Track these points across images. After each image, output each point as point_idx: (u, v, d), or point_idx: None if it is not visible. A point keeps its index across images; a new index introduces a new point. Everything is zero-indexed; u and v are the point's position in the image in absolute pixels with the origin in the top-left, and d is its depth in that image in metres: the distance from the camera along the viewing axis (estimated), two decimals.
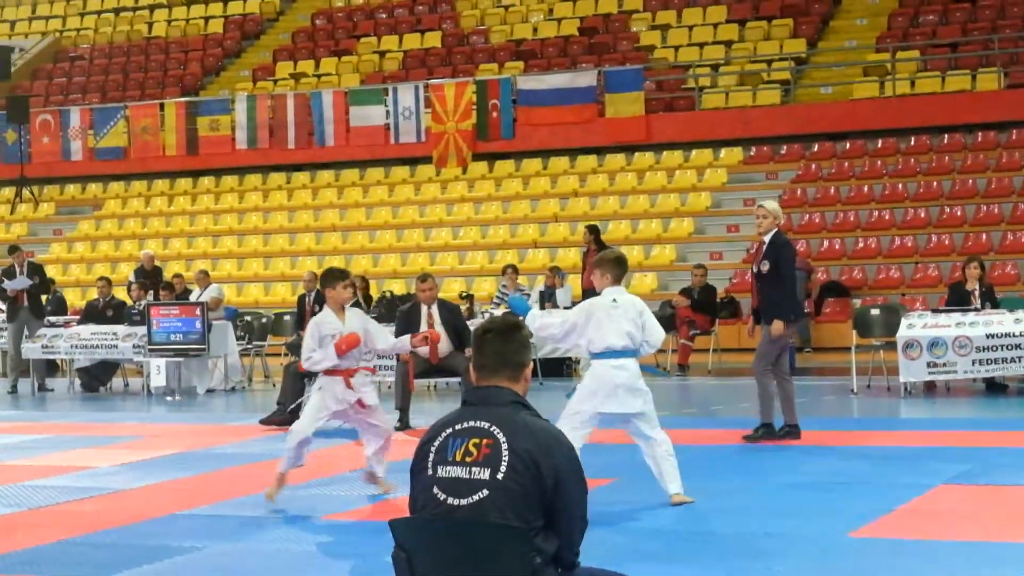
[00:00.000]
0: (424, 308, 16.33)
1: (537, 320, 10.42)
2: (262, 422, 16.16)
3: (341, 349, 10.94)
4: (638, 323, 10.41)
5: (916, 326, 17.27)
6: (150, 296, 22.51)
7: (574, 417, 10.34)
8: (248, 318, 23.49)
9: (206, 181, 34.94)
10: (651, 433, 10.51)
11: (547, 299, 22.51)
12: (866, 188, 28.35)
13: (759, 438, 13.47)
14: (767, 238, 13.52)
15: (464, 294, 23.29)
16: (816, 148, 29.92)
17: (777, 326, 13.29)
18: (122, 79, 39.89)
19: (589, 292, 22.43)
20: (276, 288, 30.26)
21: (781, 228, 13.69)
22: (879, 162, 29.07)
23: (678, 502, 10.32)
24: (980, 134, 28.86)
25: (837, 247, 26.85)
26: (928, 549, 8.80)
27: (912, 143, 29.23)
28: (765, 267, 13.46)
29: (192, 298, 22.33)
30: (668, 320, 22.49)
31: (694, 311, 22.10)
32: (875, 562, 8.49)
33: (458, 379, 16.63)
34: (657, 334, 10.55)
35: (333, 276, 11.50)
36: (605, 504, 10.06)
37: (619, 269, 10.72)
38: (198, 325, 20.49)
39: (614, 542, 8.82)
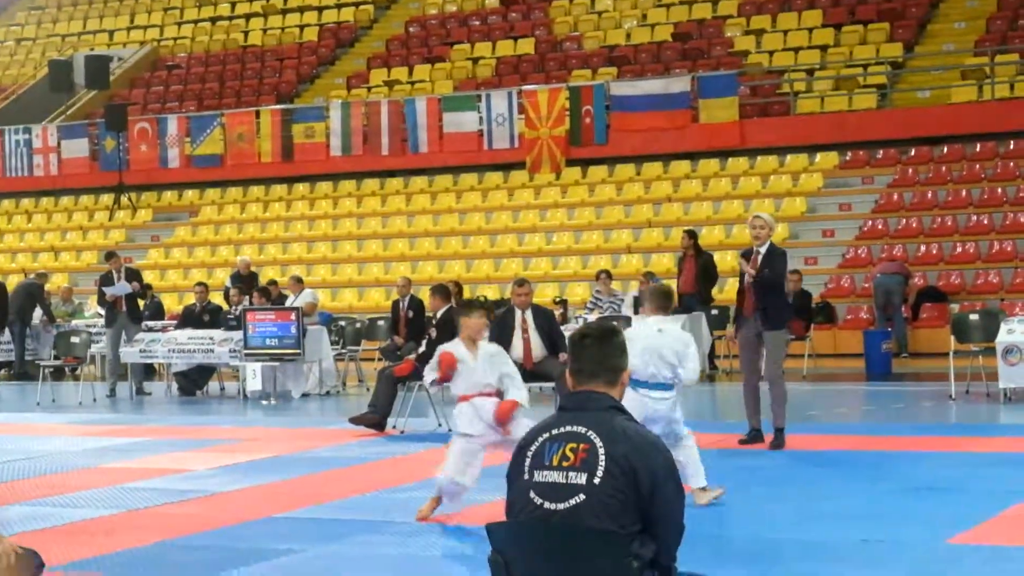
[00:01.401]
0: (518, 313, 16.31)
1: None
2: (351, 420, 16.22)
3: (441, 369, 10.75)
4: (680, 355, 10.59)
5: (1016, 331, 17.06)
6: (247, 301, 22.69)
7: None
8: (342, 323, 23.62)
9: (301, 187, 35.17)
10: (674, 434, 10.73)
11: (641, 304, 22.43)
12: (964, 192, 28.04)
13: (780, 444, 13.71)
14: (763, 248, 13.75)
15: (558, 299, 23.29)
16: (913, 152, 29.63)
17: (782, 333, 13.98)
18: (218, 87, 40.29)
19: (684, 296, 22.43)
20: (370, 293, 30.40)
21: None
22: (977, 166, 28.74)
23: (703, 496, 10.56)
24: None
25: (935, 252, 26.58)
26: None
27: (1011, 147, 28.88)
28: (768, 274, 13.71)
29: (287, 304, 22.49)
30: None
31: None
32: (973, 569, 8.40)
33: (552, 384, 16.60)
34: (690, 372, 10.68)
35: (469, 306, 11.27)
36: (700, 510, 10.03)
37: (663, 301, 11.03)
38: (293, 330, 20.62)
39: (709, 549, 8.77)
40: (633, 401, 10.23)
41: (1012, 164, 28.44)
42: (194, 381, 22.45)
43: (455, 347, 10.89)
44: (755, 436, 13.94)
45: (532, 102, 31.05)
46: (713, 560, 8.27)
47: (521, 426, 10.23)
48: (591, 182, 32.09)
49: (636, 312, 22.01)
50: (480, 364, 10.76)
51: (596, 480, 4.87)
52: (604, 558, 4.79)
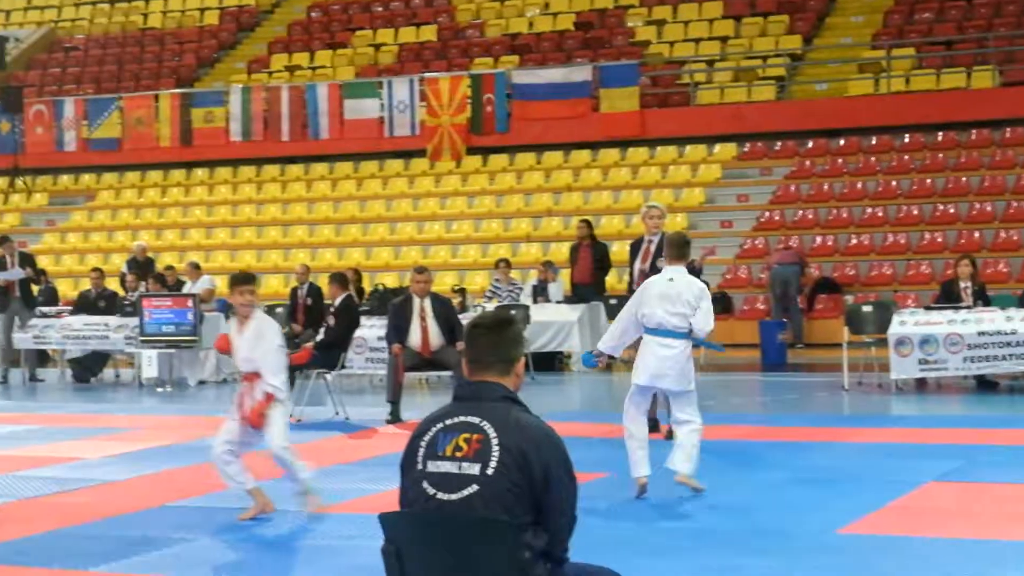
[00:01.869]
0: (417, 301, 16.33)
1: (603, 344, 10.99)
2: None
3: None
4: (693, 306, 10.54)
5: (908, 323, 17.29)
6: (143, 287, 22.49)
7: (632, 393, 10.83)
8: None
9: (200, 173, 34.91)
10: (682, 415, 10.78)
11: (539, 293, 22.53)
12: (860, 185, 28.36)
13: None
14: (655, 238, 13.79)
15: (457, 288, 23.30)
16: (810, 144, 29.92)
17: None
18: (117, 70, 39.86)
19: (579, 287, 22.53)
20: (269, 280, 30.21)
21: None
22: (873, 159, 29.08)
23: (681, 481, 10.57)
24: (974, 132, 28.88)
25: (830, 243, 26.87)
26: (916, 546, 8.82)
27: (906, 140, 29.26)
28: (662, 263, 13.34)
29: (184, 290, 22.32)
30: None
31: None
32: (863, 559, 8.51)
33: (450, 373, 16.63)
34: (704, 323, 10.64)
35: (234, 280, 10.59)
36: (596, 499, 10.08)
37: (679, 249, 10.95)
38: (190, 317, 20.49)
39: (604, 537, 8.83)
40: (644, 348, 10.62)
41: (907, 157, 28.79)
42: (89, 368, 22.24)
43: (231, 325, 10.59)
44: (651, 426, 13.96)
45: (434, 89, 31.01)
46: (604, 549, 8.31)
47: (276, 430, 10.12)
48: (492, 170, 32.11)
49: (535, 301, 22.10)
50: (245, 343, 10.28)
51: (489, 471, 4.88)
52: (497, 548, 4.81)
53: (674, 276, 10.67)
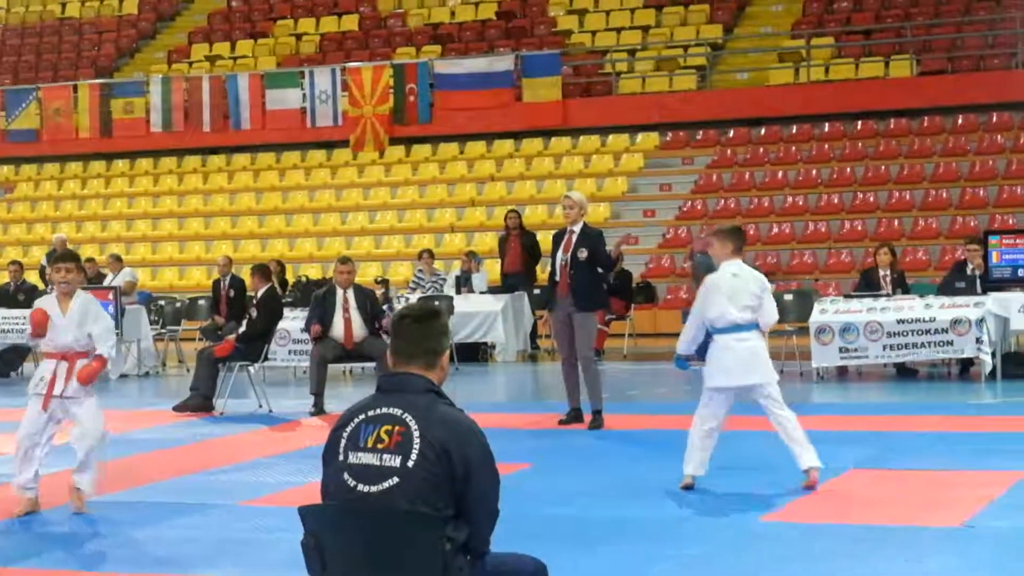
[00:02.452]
0: (340, 292, 16.29)
1: (684, 347, 10.61)
2: (175, 408, 16.03)
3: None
4: (758, 297, 10.37)
5: (828, 311, 17.42)
6: None
7: (713, 397, 10.40)
8: (162, 302, 23.32)
9: (120, 164, 34.63)
10: (781, 411, 10.43)
11: (463, 284, 22.53)
12: (781, 174, 28.56)
13: (599, 424, 13.79)
14: (576, 228, 13.76)
15: (380, 279, 23.23)
16: (732, 134, 30.10)
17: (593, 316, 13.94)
18: (34, 60, 39.43)
19: (508, 276, 22.54)
20: (191, 272, 30.08)
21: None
22: (793, 148, 29.29)
23: (815, 474, 10.25)
24: (892, 121, 29.15)
25: (752, 232, 27.01)
26: (838, 532, 8.89)
27: (826, 129, 29.49)
28: (584, 255, 13.66)
29: (105, 283, 22.13)
30: None
31: (610, 296, 22.13)
32: (786, 546, 8.58)
33: (373, 364, 16.60)
34: (769, 315, 10.46)
35: (54, 257, 10.51)
36: (518, 490, 10.08)
37: (739, 240, 10.71)
38: (111, 309, 20.30)
39: (526, 528, 8.84)
40: (718, 350, 10.29)
41: (827, 146, 29.02)
42: (8, 362, 21.99)
43: (47, 302, 10.26)
44: (574, 416, 13.99)
45: (356, 80, 30.92)
46: (527, 539, 8.31)
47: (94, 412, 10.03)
48: (414, 161, 32.08)
49: (458, 291, 22.10)
50: (69, 322, 10.05)
51: (410, 463, 4.88)
52: (417, 541, 4.81)
53: (737, 271, 10.43)
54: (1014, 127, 28.29)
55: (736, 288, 10.30)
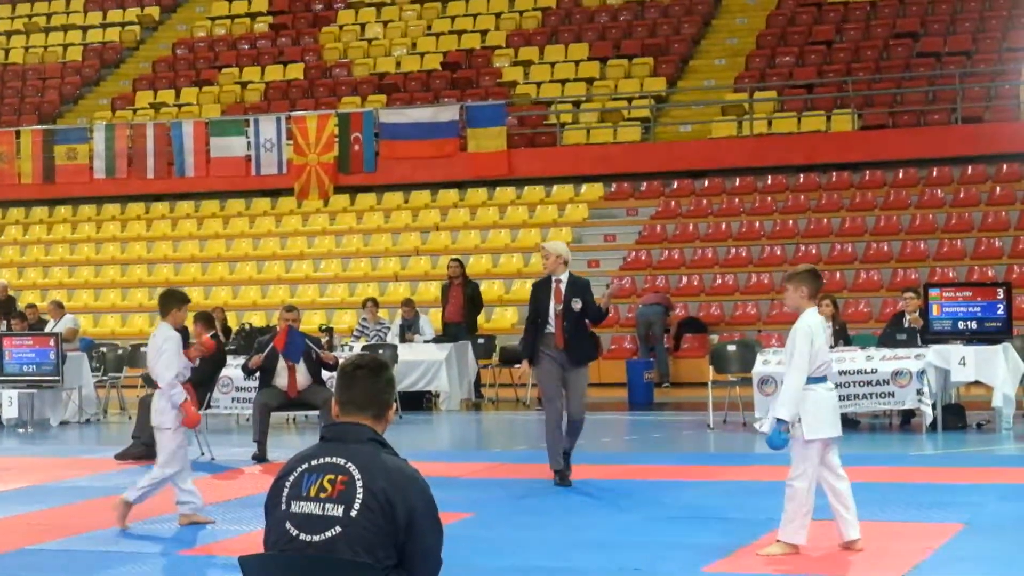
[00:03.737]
0: None
1: (790, 411, 9.60)
2: (117, 457, 15.94)
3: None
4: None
5: (771, 362, 17.48)
6: (3, 325, 22.12)
7: (827, 453, 9.82)
8: (104, 349, 23.17)
9: (63, 210, 34.46)
10: (838, 463, 9.93)
11: (407, 329, 22.51)
12: (724, 225, 28.71)
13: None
14: (563, 277, 13.22)
15: (324, 327, 23.19)
16: (675, 185, 30.25)
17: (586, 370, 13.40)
18: None
19: (450, 325, 22.55)
20: (133, 319, 29.92)
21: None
22: (737, 200, 29.47)
23: (858, 544, 9.88)
24: (835, 174, 29.38)
25: (695, 283, 27.17)
26: None
27: (769, 182, 29.68)
28: (578, 306, 13.10)
29: (48, 328, 21.99)
30: None
31: None
32: None
33: (317, 412, 16.54)
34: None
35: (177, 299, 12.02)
36: (461, 540, 10.07)
37: (818, 283, 10.13)
38: (52, 356, 20.19)
39: None
40: (823, 398, 9.68)
41: (769, 199, 29.21)
42: None
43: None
44: (563, 478, 13.21)
45: (301, 128, 30.90)
46: None
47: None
48: (359, 209, 32.08)
49: (402, 340, 22.07)
50: None
51: (353, 513, 4.88)
52: None
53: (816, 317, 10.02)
54: (953, 181, 28.57)
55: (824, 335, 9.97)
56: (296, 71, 37.07)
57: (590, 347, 13.62)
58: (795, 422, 9.60)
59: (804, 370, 9.60)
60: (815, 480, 9.73)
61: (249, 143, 31.16)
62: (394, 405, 5.26)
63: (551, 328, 13.12)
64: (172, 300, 11.85)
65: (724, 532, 10.56)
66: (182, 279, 30.83)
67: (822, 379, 9.74)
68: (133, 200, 33.72)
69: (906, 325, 18.22)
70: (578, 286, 13.28)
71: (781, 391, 9.94)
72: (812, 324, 9.78)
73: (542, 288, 13.32)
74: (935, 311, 17.78)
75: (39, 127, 34.50)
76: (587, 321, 13.31)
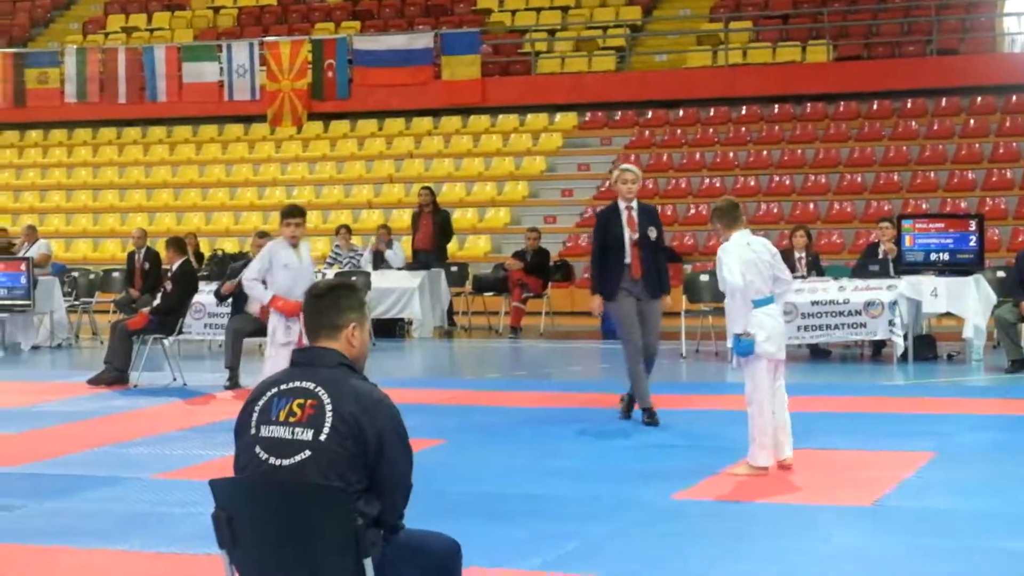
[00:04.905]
0: None
1: (741, 321, 9.95)
2: (90, 382, 15.93)
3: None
4: (773, 266, 10.22)
5: None
6: None
7: (763, 373, 10.03)
8: (76, 274, 23.12)
9: (34, 134, 34.25)
10: (782, 383, 10.26)
11: (380, 261, 22.47)
12: (698, 155, 28.69)
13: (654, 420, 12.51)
14: (635, 204, 12.48)
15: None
16: (650, 115, 30.18)
17: (668, 300, 12.71)
18: None
19: (420, 252, 22.53)
20: (105, 244, 29.82)
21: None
22: (711, 130, 29.43)
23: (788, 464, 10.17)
24: (809, 105, 29.34)
25: (669, 213, 27.12)
26: (748, 511, 8.97)
27: (743, 112, 29.64)
28: (654, 234, 12.44)
29: (21, 253, 21.90)
30: (501, 283, 22.64)
31: (527, 274, 22.22)
32: (694, 524, 8.64)
33: None
34: (788, 276, 10.34)
35: (284, 212, 13.75)
36: (432, 466, 10.10)
37: (732, 212, 10.36)
38: (23, 280, 20.13)
39: (440, 504, 8.84)
40: (765, 321, 9.97)
41: (744, 129, 29.18)
42: None
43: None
44: (652, 415, 12.45)
45: (274, 54, 30.68)
46: (442, 515, 8.32)
47: None
48: (333, 136, 31.96)
49: (376, 267, 22.04)
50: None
51: (322, 437, 4.88)
52: (328, 515, 4.80)
53: (748, 240, 10.22)
54: (928, 114, 28.57)
55: (751, 258, 10.11)
56: None
57: (666, 278, 12.71)
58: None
59: (736, 284, 9.93)
60: (770, 401, 10.01)
61: (222, 69, 30.94)
62: (354, 327, 5.20)
63: (627, 259, 12.33)
64: (281, 215, 13.79)
65: (695, 460, 10.62)
66: (154, 204, 30.74)
67: (763, 302, 10.05)
68: (105, 125, 33.54)
69: (880, 256, 18.25)
70: (650, 213, 12.67)
71: (726, 311, 10.29)
72: (730, 245, 10.13)
73: (611, 216, 12.55)
74: (908, 243, 17.83)
75: (9, 50, 34.18)
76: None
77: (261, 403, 5.04)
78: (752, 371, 10.04)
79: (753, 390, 10.03)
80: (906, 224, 18.10)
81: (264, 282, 13.45)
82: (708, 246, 26.03)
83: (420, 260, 22.46)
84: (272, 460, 4.92)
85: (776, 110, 29.50)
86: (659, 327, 12.68)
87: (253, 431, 5.00)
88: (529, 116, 30.97)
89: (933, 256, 17.67)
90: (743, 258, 10.03)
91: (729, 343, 10.42)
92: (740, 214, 10.45)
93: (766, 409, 9.98)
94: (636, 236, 12.37)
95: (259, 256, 13.42)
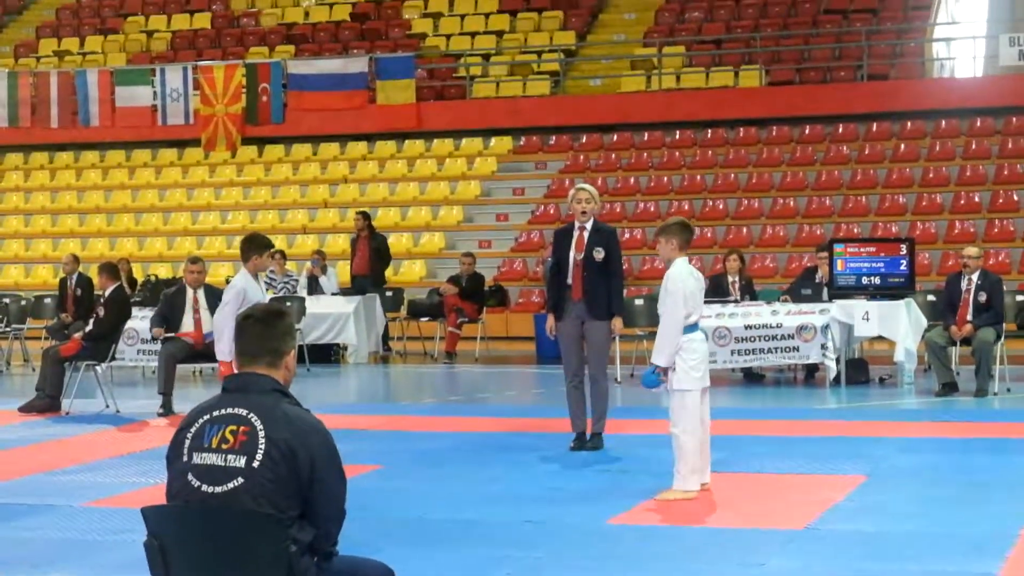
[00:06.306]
0: (190, 292, 16.18)
1: (668, 358, 10.03)
2: (21, 409, 15.78)
3: None
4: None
5: None
6: None
7: (698, 402, 10.10)
8: (7, 300, 22.92)
9: None
10: (707, 411, 10.34)
11: (315, 286, 22.43)
12: (632, 180, 28.81)
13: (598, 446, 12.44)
14: (588, 224, 12.38)
15: (231, 279, 23.03)
16: (584, 139, 30.29)
17: (619, 323, 12.53)
18: None
19: (357, 278, 22.49)
20: (37, 270, 29.60)
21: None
22: (645, 154, 29.56)
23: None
24: (742, 130, 29.54)
25: None
26: (682, 535, 8.99)
27: (677, 136, 29.80)
28: (600, 255, 12.29)
29: None
30: (436, 308, 22.62)
31: (462, 299, 22.21)
32: (629, 548, 8.66)
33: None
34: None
35: (263, 244, 12.43)
36: (367, 492, 10.08)
37: (687, 234, 10.33)
38: None
39: (374, 530, 8.83)
40: (699, 346, 10.13)
41: (678, 153, 29.32)
42: None
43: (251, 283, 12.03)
44: (582, 442, 12.45)
45: (208, 78, 30.56)
46: (375, 541, 8.33)
47: None
48: (267, 161, 31.89)
49: (310, 293, 21.99)
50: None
51: (255, 463, 4.86)
52: (261, 542, 4.78)
53: (691, 269, 10.32)
54: (859, 138, 28.82)
55: (697, 285, 10.21)
56: (203, 20, 36.70)
57: (617, 300, 12.52)
58: (671, 370, 10.03)
59: (680, 319, 9.96)
60: (699, 428, 10.08)
61: (155, 93, 30.79)
62: (292, 353, 5.22)
63: (569, 280, 12.33)
64: (251, 246, 12.34)
65: (630, 485, 10.64)
66: (87, 230, 30.54)
67: (693, 328, 10.12)
68: (37, 149, 33.31)
69: (817, 280, 18.40)
70: (603, 234, 12.49)
71: (657, 339, 10.19)
72: (682, 273, 10.10)
73: (564, 236, 12.56)
74: (839, 267, 17.94)
75: None
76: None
77: (193, 430, 5.02)
78: (683, 398, 10.09)
79: (684, 414, 10.06)
80: (838, 248, 18.23)
81: None
82: (643, 271, 26.14)
83: (357, 285, 22.43)
84: (205, 487, 4.90)
85: (709, 135, 29.69)
86: (603, 350, 12.58)
87: (185, 458, 4.98)
88: (464, 140, 31.01)
89: (865, 280, 17.80)
90: (688, 289, 10.07)
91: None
92: (691, 239, 10.52)
93: (697, 434, 10.04)
94: (580, 256, 12.31)
95: (232, 294, 12.10)
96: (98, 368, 16.26)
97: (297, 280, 22.70)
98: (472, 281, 22.58)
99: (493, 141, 30.82)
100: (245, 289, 12.07)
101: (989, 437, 13.21)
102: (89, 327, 16.38)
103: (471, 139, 30.97)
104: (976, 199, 26.47)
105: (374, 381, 20.43)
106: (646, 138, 29.94)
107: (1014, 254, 24.84)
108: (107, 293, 16.27)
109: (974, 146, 27.99)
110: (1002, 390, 16.29)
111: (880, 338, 17.97)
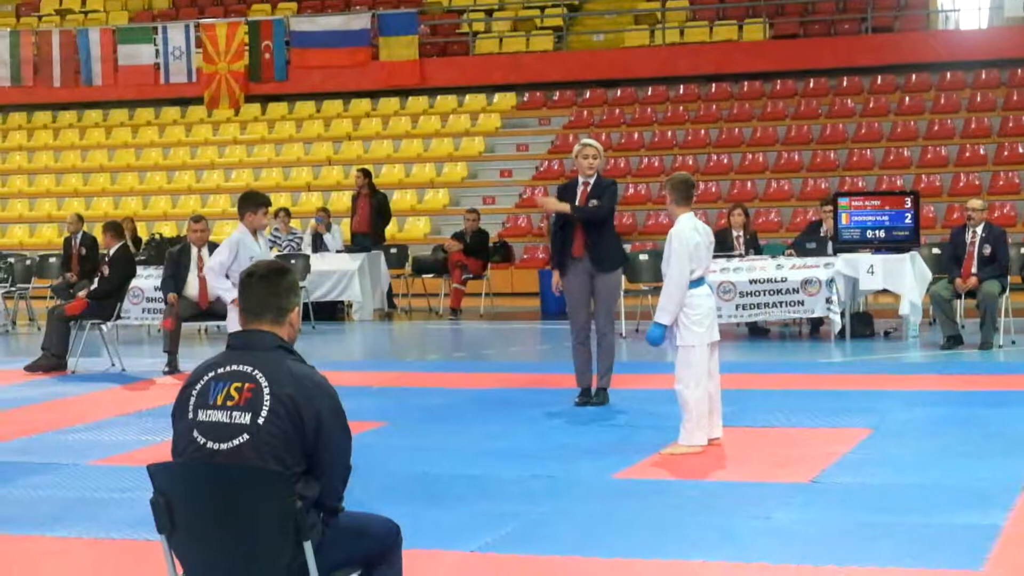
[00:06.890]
0: (194, 250, 16.15)
1: (671, 313, 10.03)
2: (27, 368, 15.81)
3: None
4: (710, 250, 10.32)
5: None
6: None
7: (706, 356, 10.13)
8: (11, 260, 22.92)
9: None
10: (716, 366, 10.36)
11: (319, 244, 22.43)
12: (636, 135, 28.75)
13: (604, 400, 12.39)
14: (591, 180, 12.30)
15: None
16: (588, 95, 30.22)
17: (618, 276, 12.53)
18: None
19: (357, 235, 22.47)
20: (41, 229, 29.59)
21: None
22: (649, 109, 29.49)
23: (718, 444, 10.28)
24: (746, 83, 29.46)
25: None
26: (688, 489, 9.01)
27: (681, 91, 29.71)
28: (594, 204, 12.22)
29: None
30: (440, 264, 22.62)
31: (466, 255, 22.21)
32: (635, 503, 8.67)
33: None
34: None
35: (260, 201, 12.72)
36: (373, 448, 10.11)
37: (688, 189, 10.36)
38: None
39: (381, 486, 8.85)
40: (706, 301, 10.16)
41: (681, 108, 29.26)
42: None
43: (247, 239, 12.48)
44: (587, 398, 12.42)
45: (210, 36, 30.52)
46: (381, 496, 8.35)
47: None
48: (270, 119, 31.83)
49: (315, 250, 21.99)
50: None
51: (260, 420, 4.87)
52: (267, 498, 4.79)
53: (696, 224, 10.35)
54: (863, 91, 28.74)
55: (704, 241, 10.23)
56: None
57: (618, 251, 12.52)
58: (676, 327, 10.04)
59: (684, 274, 9.97)
60: (704, 382, 10.08)
61: (157, 51, 30.75)
62: (296, 310, 5.22)
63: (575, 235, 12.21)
64: (246, 203, 12.66)
65: (636, 439, 10.65)
66: (91, 189, 30.52)
67: (699, 283, 10.12)
68: (39, 109, 33.25)
69: (822, 234, 18.38)
70: (601, 187, 12.32)
71: (661, 297, 10.16)
72: (685, 229, 10.12)
73: (567, 192, 12.42)
74: (844, 220, 17.91)
75: None
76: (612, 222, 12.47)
77: (198, 387, 5.03)
78: (687, 353, 10.11)
79: (689, 370, 10.07)
80: (842, 202, 18.18)
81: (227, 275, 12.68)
82: (647, 225, 26.11)
83: (357, 243, 22.42)
84: (210, 444, 4.91)
85: (713, 89, 29.60)
86: (611, 304, 12.55)
87: (191, 415, 4.99)
88: (467, 97, 30.94)
89: (869, 234, 17.76)
90: (693, 243, 10.08)
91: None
92: (694, 194, 10.52)
93: (703, 387, 10.04)
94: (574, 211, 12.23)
95: (225, 248, 12.51)
96: (103, 327, 16.28)
97: (302, 237, 22.69)
98: (476, 237, 22.56)
99: (496, 97, 30.75)
100: (239, 242, 12.42)
101: (994, 390, 13.21)
102: (94, 286, 16.39)
103: (474, 95, 30.90)
104: (981, 151, 26.41)
105: (379, 338, 20.44)
106: (650, 93, 29.86)
107: (1019, 206, 24.80)
108: (111, 252, 16.27)
109: (979, 98, 27.90)
110: (1007, 343, 16.28)
111: (885, 291, 17.94)
